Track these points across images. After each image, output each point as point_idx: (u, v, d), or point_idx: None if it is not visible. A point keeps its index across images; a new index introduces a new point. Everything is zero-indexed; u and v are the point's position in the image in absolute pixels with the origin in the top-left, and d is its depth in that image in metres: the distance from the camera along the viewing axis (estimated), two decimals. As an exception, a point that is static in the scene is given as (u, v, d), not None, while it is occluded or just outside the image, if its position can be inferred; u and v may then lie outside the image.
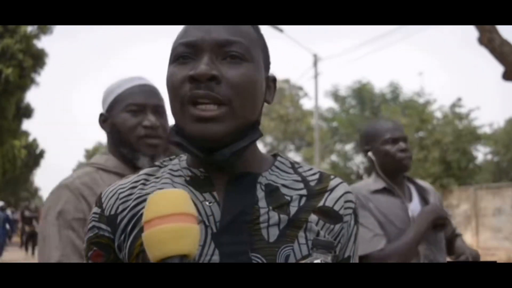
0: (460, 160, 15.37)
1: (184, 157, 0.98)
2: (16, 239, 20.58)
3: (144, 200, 0.89)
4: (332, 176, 0.97)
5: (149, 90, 1.62)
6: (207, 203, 0.88)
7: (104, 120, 1.65)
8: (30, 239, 15.53)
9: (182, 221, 0.72)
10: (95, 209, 0.95)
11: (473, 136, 15.64)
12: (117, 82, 1.66)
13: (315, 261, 0.84)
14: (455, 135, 15.31)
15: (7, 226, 15.83)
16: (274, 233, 0.86)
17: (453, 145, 15.22)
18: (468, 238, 14.18)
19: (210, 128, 0.85)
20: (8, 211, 17.00)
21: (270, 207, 0.88)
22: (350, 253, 0.94)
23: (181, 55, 0.88)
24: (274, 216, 0.87)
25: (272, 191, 0.90)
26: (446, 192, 14.96)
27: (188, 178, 0.92)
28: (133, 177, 0.97)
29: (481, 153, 19.74)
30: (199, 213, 0.84)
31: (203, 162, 0.91)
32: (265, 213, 0.87)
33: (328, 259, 0.86)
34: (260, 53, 0.93)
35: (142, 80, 1.65)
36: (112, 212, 0.93)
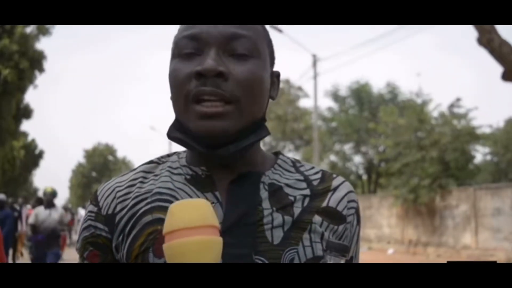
0: (459, 160, 15.37)
1: (183, 154, 0.95)
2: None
3: (143, 199, 0.88)
4: (334, 175, 0.95)
5: None
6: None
7: None
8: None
9: (207, 234, 0.71)
10: (91, 208, 0.92)
11: (471, 136, 15.64)
12: None
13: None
14: (453, 135, 15.31)
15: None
16: (278, 235, 0.84)
17: (452, 145, 15.22)
18: (468, 238, 14.20)
19: (215, 125, 0.82)
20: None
21: (274, 208, 0.86)
22: (352, 253, 0.93)
23: (185, 49, 0.86)
24: (278, 217, 0.85)
25: (275, 191, 0.88)
26: (445, 193, 14.98)
27: (188, 177, 0.90)
28: (130, 175, 0.94)
29: (480, 154, 19.73)
30: None
31: (205, 159, 0.88)
32: (268, 215, 0.85)
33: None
34: (266, 48, 0.91)
35: None
36: (110, 212, 0.90)
